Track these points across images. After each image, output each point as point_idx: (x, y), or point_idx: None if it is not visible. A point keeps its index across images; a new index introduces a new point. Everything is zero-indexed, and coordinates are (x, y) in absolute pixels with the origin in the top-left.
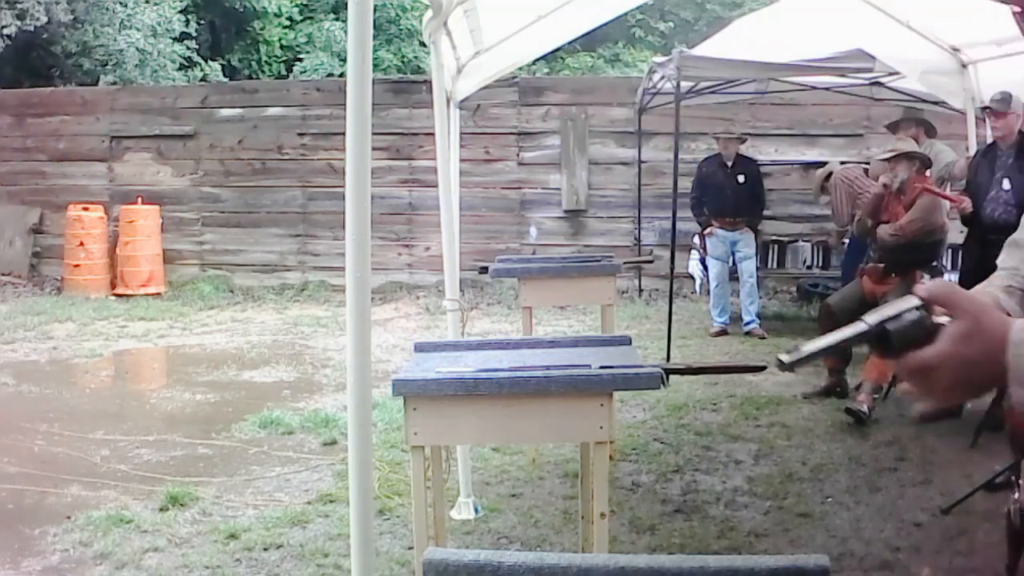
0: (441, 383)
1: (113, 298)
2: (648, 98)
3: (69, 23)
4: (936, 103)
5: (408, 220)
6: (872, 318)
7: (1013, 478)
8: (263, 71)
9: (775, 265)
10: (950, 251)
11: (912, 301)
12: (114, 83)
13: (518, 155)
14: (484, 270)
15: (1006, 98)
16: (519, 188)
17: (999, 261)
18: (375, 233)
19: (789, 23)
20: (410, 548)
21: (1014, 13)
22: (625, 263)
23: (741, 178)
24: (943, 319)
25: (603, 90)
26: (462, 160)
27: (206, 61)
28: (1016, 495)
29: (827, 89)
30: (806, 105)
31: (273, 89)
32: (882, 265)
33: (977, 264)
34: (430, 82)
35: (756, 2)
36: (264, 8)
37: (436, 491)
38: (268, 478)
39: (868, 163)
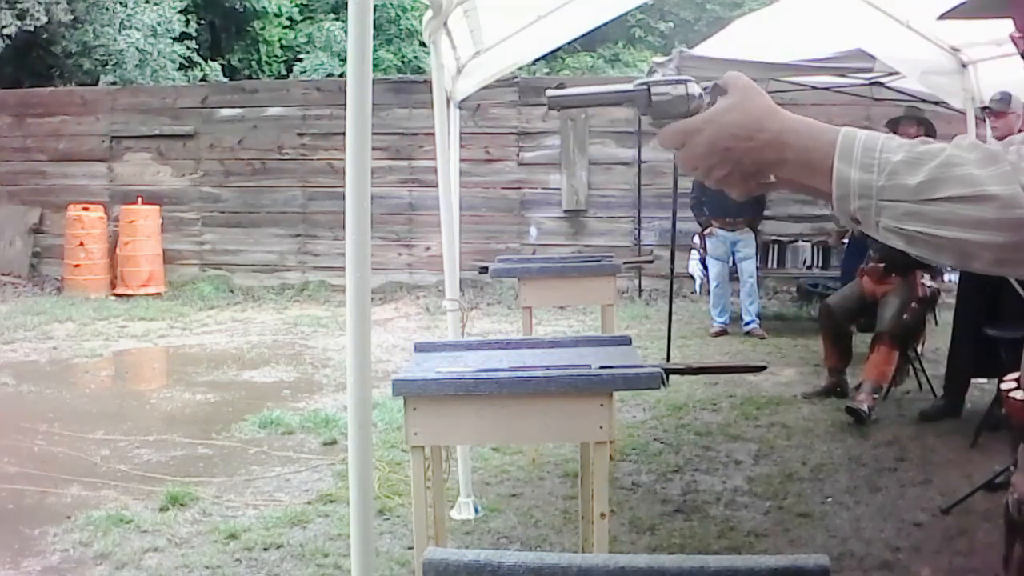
0: (441, 383)
1: (113, 298)
2: None
3: (69, 23)
4: (936, 103)
5: (408, 220)
6: (640, 80)
7: (1012, 467)
8: (263, 71)
9: (775, 265)
10: None
11: (691, 83)
12: (114, 83)
13: (518, 155)
14: (484, 270)
15: (1006, 98)
16: (519, 188)
17: None
18: (375, 233)
19: (789, 23)
20: (410, 548)
21: (1013, 38)
22: (625, 263)
23: None
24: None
25: None
26: (462, 160)
27: (206, 61)
28: (1012, 489)
29: (827, 89)
30: (806, 105)
31: (273, 89)
32: (882, 265)
33: None
34: (430, 82)
35: (756, 2)
36: (264, 8)
37: (436, 491)
38: (268, 478)
39: None
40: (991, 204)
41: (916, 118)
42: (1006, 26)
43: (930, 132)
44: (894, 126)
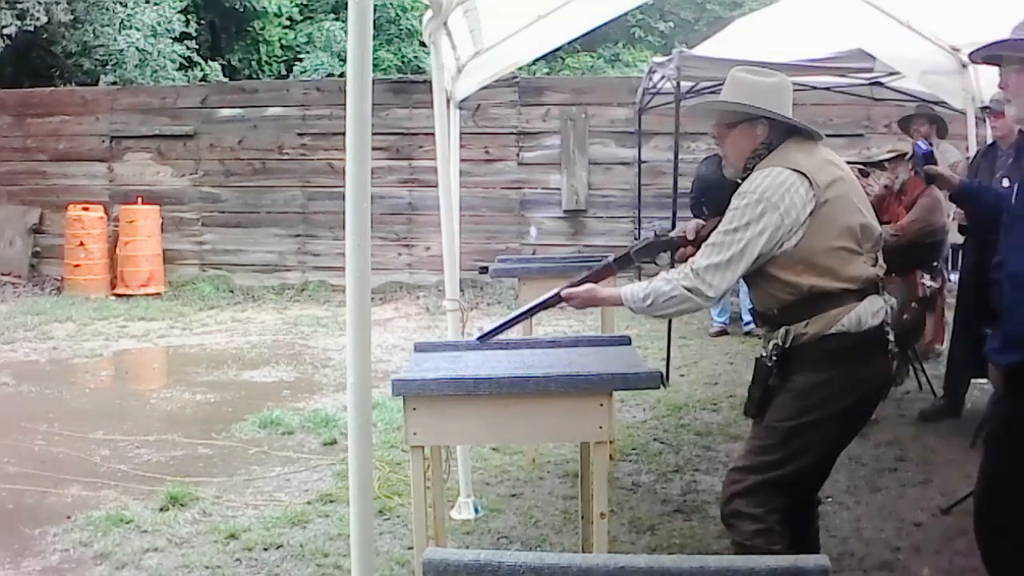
0: (441, 383)
1: (113, 298)
2: (648, 98)
3: (69, 23)
4: (936, 103)
5: (408, 220)
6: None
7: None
8: (263, 71)
9: None
10: (950, 251)
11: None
12: (114, 83)
13: (518, 155)
14: (484, 270)
15: (1006, 98)
16: (519, 188)
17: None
18: (375, 233)
19: (789, 23)
20: (410, 548)
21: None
22: None
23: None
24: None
25: (603, 90)
26: (462, 160)
27: (206, 61)
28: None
29: (827, 89)
30: (806, 105)
31: (273, 89)
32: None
33: (976, 264)
34: (430, 82)
35: (756, 2)
36: (264, 8)
37: (436, 491)
38: (268, 478)
39: (864, 163)
40: (676, 298)
41: (928, 116)
42: (1005, 26)
43: (941, 130)
44: (906, 124)
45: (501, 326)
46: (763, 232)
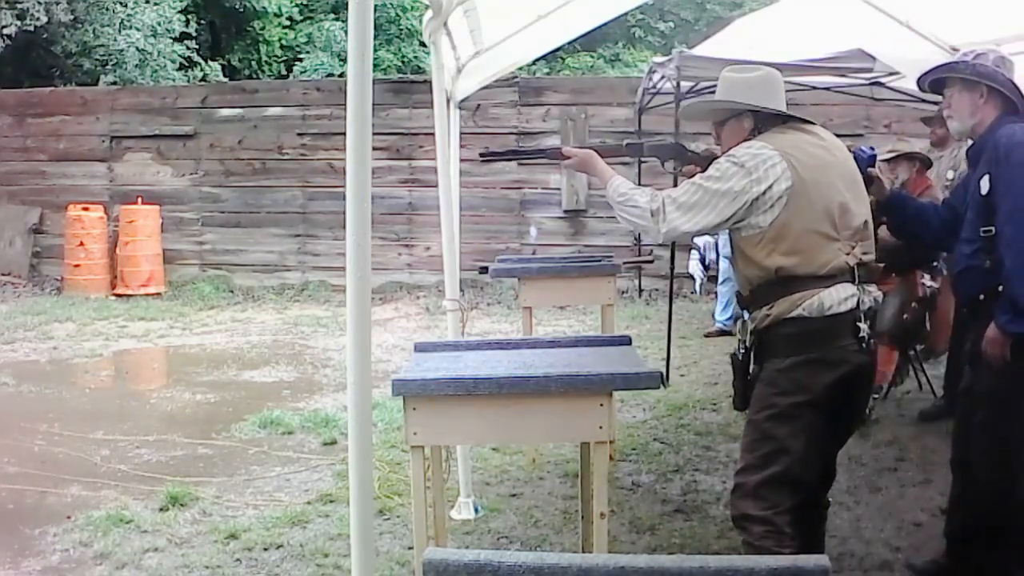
0: (441, 383)
1: (113, 298)
2: (648, 98)
3: (69, 23)
4: (936, 103)
5: (408, 220)
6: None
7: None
8: (263, 71)
9: None
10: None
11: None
12: (114, 83)
13: None
14: (484, 270)
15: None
16: (519, 188)
17: None
18: (375, 233)
19: (789, 23)
20: (410, 548)
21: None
22: (625, 263)
23: None
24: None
25: (603, 90)
26: (462, 160)
27: (206, 61)
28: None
29: (827, 89)
30: (806, 105)
31: (273, 89)
32: (882, 265)
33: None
34: (430, 82)
35: (756, 2)
36: (264, 8)
37: (436, 491)
38: (268, 478)
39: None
40: (640, 210)
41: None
42: (1005, 26)
43: None
44: (929, 123)
45: (504, 153)
46: (730, 192)
